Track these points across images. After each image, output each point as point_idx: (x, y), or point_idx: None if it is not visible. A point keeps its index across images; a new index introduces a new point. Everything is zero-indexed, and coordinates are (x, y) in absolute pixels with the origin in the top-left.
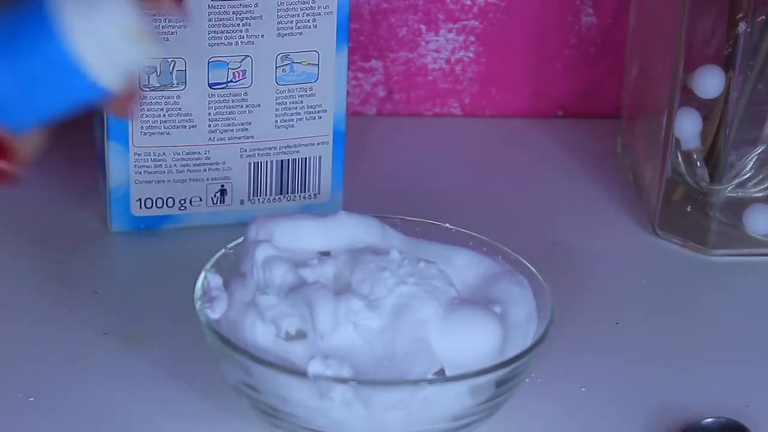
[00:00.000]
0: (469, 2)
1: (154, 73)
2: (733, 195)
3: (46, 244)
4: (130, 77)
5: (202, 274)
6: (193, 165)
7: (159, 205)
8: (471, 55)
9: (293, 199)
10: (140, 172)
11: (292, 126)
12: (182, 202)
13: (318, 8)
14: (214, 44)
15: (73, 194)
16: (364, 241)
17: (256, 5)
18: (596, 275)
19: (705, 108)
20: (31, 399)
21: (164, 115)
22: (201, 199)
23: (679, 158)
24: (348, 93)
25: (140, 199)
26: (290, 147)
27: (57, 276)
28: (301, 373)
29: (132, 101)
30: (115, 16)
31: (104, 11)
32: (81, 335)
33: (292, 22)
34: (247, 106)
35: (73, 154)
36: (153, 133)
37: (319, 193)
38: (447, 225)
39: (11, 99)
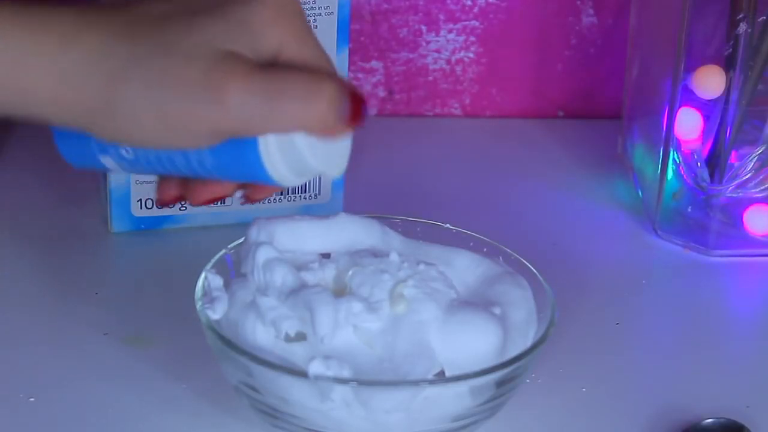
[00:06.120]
0: (469, 3)
1: None
2: (733, 195)
3: (46, 244)
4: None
5: (203, 275)
6: None
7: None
8: (471, 55)
9: (294, 200)
10: None
11: None
12: (182, 202)
13: (319, 9)
14: None
15: (73, 195)
16: (364, 243)
17: None
18: (596, 275)
19: (705, 108)
20: (32, 399)
21: None
22: None
23: (679, 158)
24: None
25: (141, 200)
26: None
27: (57, 276)
28: (301, 374)
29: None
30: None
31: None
32: (81, 335)
33: None
34: None
35: None
36: None
37: (319, 193)
38: (447, 225)
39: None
